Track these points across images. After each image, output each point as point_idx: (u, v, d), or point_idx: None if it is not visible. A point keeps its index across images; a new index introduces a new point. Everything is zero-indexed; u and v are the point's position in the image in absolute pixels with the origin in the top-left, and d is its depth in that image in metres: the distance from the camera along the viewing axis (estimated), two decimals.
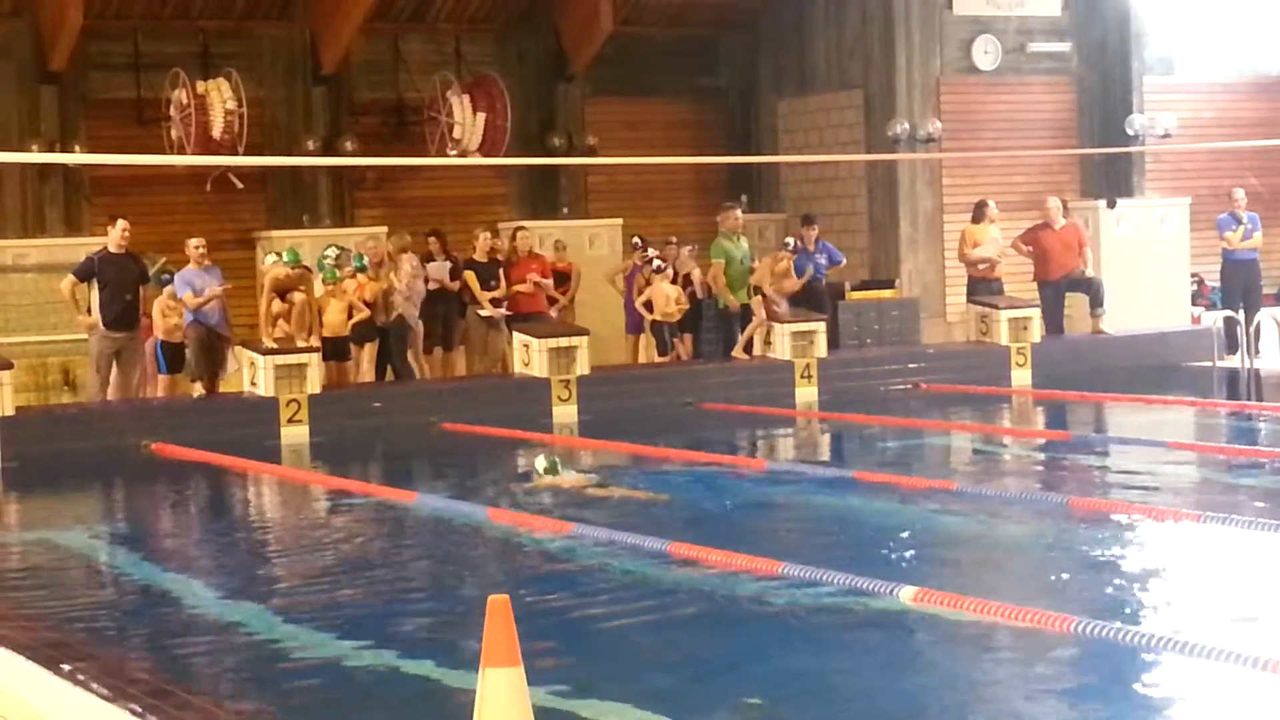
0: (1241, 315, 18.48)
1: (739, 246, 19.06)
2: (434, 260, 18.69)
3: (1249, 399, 17.01)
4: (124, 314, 16.55)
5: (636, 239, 19.88)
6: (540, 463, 12.77)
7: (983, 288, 20.22)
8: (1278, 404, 16.46)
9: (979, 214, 20.32)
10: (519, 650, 5.53)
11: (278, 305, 16.95)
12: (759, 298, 18.72)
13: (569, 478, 12.64)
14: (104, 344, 16.62)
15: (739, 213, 19.48)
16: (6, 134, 19.59)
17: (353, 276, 17.63)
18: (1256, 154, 23.94)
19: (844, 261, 20.36)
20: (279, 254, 17.18)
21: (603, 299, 20.03)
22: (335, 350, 17.52)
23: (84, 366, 17.40)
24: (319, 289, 17.40)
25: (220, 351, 16.97)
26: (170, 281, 16.83)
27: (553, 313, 19.23)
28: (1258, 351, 18.21)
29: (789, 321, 18.66)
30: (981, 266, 20.25)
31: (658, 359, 19.00)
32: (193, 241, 16.83)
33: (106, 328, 16.50)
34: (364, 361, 17.82)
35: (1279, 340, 17.49)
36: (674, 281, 19.07)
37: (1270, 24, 24.70)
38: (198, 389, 16.70)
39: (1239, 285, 20.57)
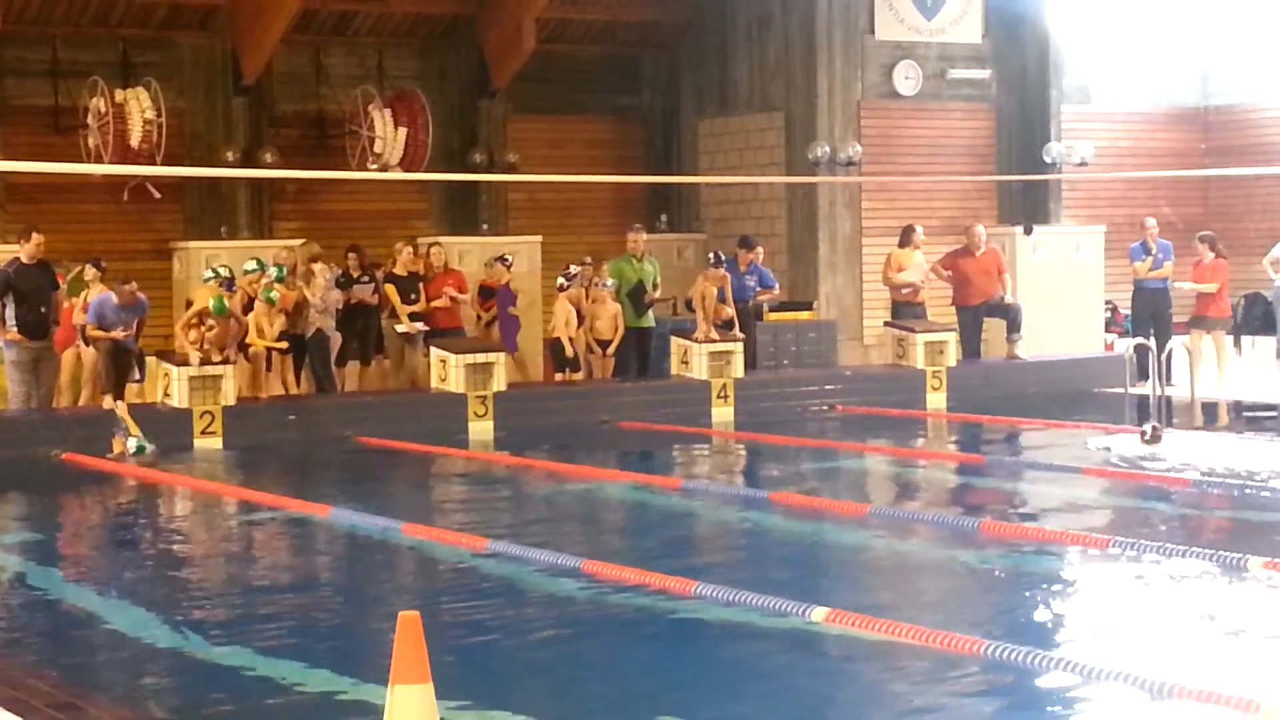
0: (1153, 342, 18.64)
1: (638, 269, 19.13)
2: (350, 274, 18.59)
3: (1159, 425, 17.12)
4: (39, 324, 16.58)
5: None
6: (133, 444, 15.37)
7: (906, 311, 20.37)
8: (1187, 431, 16.61)
9: (905, 238, 20.48)
10: (428, 667, 5.51)
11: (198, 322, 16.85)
12: (701, 312, 18.76)
13: (150, 452, 15.44)
14: (22, 354, 16.60)
15: (641, 235, 19.55)
16: None
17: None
18: (1171, 183, 24.23)
19: (776, 287, 20.44)
20: (214, 272, 17.22)
21: (520, 316, 19.95)
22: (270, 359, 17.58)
23: (1, 376, 17.26)
24: (256, 308, 17.35)
25: (128, 363, 16.82)
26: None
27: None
28: (1169, 378, 18.37)
29: (705, 341, 18.71)
30: (905, 290, 20.39)
31: (570, 376, 18.91)
32: (127, 287, 16.61)
33: (24, 337, 16.51)
34: (285, 372, 17.75)
35: (1189, 368, 17.64)
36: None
37: (1186, 56, 25.02)
38: (108, 401, 16.53)
39: (1148, 313, 20.70)
